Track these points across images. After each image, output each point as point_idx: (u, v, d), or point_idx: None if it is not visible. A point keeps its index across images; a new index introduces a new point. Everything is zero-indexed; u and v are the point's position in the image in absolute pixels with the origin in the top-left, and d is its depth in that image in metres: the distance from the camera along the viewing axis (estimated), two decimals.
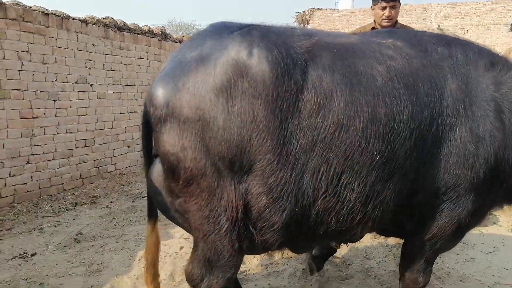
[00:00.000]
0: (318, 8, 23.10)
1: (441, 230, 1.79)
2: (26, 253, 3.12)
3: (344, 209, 1.62)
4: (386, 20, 3.05)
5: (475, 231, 3.66)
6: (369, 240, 3.38)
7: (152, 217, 1.88)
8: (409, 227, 1.88)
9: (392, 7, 3.00)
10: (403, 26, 3.19)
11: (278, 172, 1.51)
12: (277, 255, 3.07)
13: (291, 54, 1.53)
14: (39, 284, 2.66)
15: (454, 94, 1.68)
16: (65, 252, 3.20)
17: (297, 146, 1.52)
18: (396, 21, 3.12)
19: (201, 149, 1.50)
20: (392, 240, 3.42)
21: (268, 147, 1.49)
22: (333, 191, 1.58)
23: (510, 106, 1.73)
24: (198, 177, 1.54)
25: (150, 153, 1.76)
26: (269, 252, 1.94)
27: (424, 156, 1.64)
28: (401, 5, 3.12)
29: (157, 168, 1.72)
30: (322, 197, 1.58)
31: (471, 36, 18.45)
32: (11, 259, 3.05)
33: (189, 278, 1.75)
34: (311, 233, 1.70)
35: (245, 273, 2.85)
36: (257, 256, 3.02)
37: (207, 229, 1.60)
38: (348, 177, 1.58)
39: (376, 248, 3.28)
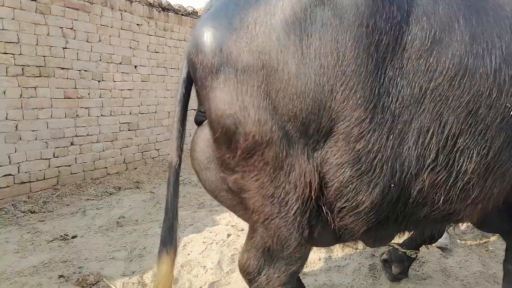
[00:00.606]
0: None
1: None
2: (67, 235, 2.96)
3: (458, 184, 1.22)
4: None
5: None
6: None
7: (170, 245, 1.39)
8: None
9: None
10: None
11: (370, 134, 1.14)
12: (336, 248, 2.69)
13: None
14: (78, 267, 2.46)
15: None
16: (107, 235, 3.00)
17: (398, 99, 1.15)
18: None
19: (267, 107, 1.16)
20: (471, 240, 2.93)
21: (358, 101, 1.13)
22: (446, 160, 1.20)
23: None
24: (262, 146, 1.19)
25: (185, 120, 1.39)
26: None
27: None
28: None
29: (204, 136, 1.38)
30: (430, 168, 1.20)
31: None
32: (52, 240, 2.89)
33: (244, 270, 1.42)
34: (408, 218, 1.30)
35: None
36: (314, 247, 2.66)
37: (270, 211, 1.26)
38: (468, 141, 1.19)
39: (453, 246, 2.80)
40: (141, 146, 5.03)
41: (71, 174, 4.13)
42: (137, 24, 4.76)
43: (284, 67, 1.13)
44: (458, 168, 1.20)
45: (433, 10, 1.14)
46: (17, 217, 3.31)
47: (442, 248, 2.71)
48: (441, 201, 1.23)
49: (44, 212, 3.48)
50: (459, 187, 1.22)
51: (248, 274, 1.40)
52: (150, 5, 4.93)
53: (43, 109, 3.79)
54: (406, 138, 1.16)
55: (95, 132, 4.37)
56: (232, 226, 3.07)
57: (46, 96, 3.81)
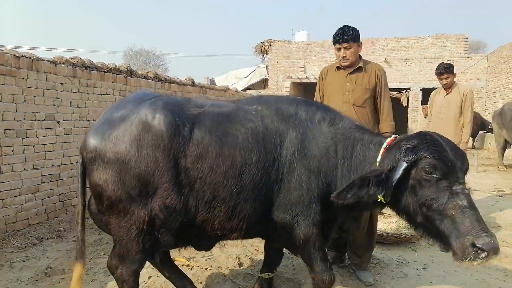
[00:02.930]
0: (276, 40, 24.28)
1: (294, 237, 2.38)
2: None
3: (216, 221, 2.29)
4: (343, 60, 3.31)
5: (409, 250, 4.22)
6: None
7: (82, 257, 2.37)
8: (270, 236, 2.55)
9: (346, 48, 3.23)
10: (366, 62, 3.39)
11: (172, 196, 2.16)
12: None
13: (183, 119, 2.21)
14: None
15: (293, 141, 2.32)
16: (37, 286, 3.35)
17: (184, 180, 2.18)
18: (359, 58, 3.35)
19: (118, 182, 2.13)
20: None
21: (165, 179, 2.14)
22: (208, 210, 2.25)
23: (334, 148, 2.37)
24: (116, 202, 2.17)
25: (85, 185, 2.33)
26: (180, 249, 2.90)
27: (270, 185, 2.29)
28: (361, 44, 3.35)
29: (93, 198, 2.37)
30: (201, 213, 2.26)
31: (415, 68, 20.17)
32: None
33: (109, 267, 2.45)
34: (198, 236, 2.40)
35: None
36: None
37: (122, 235, 2.26)
38: (217, 202, 2.24)
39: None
40: (63, 195, 5.33)
41: None
42: (61, 83, 5.18)
43: (129, 162, 2.11)
44: (215, 214, 2.27)
45: (200, 140, 2.19)
46: None
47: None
48: (209, 229, 2.32)
49: None
50: (218, 222, 2.31)
51: (111, 269, 2.43)
52: (74, 65, 5.39)
53: None
54: (189, 198, 2.21)
55: (17, 186, 4.62)
56: (152, 268, 3.64)
57: None
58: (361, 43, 3.38)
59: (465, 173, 2.07)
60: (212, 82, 25.08)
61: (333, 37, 3.33)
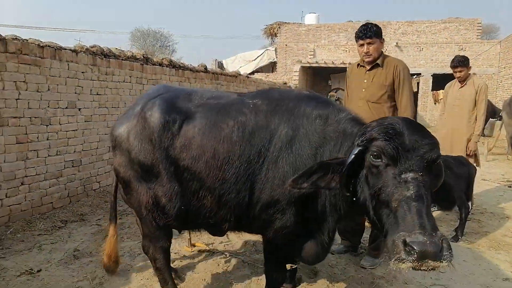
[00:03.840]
0: (286, 22, 24.05)
1: (277, 230, 2.34)
2: (33, 270, 3.47)
3: (206, 210, 2.43)
4: (366, 56, 3.40)
5: None
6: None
7: (114, 220, 2.87)
8: (255, 227, 2.52)
9: (369, 44, 3.34)
10: (385, 57, 3.47)
11: (168, 183, 2.41)
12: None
13: (174, 114, 2.40)
14: None
15: (283, 137, 2.23)
16: (68, 267, 3.57)
17: (175, 170, 2.39)
18: (381, 55, 3.43)
19: (128, 166, 2.50)
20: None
21: (161, 168, 2.40)
22: (197, 199, 2.41)
23: (324, 147, 2.19)
24: (129, 182, 2.53)
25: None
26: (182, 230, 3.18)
27: (254, 179, 2.27)
28: (383, 41, 3.45)
29: None
30: (192, 201, 2.43)
31: (426, 53, 19.97)
32: (19, 275, 3.38)
33: (144, 251, 2.79)
34: (194, 221, 2.55)
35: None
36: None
37: (138, 214, 2.63)
38: (204, 192, 2.38)
39: (339, 258, 3.89)
40: (84, 180, 5.53)
41: (21, 211, 4.54)
42: (82, 72, 5.30)
43: (133, 151, 2.44)
44: (203, 202, 2.41)
45: (187, 133, 2.37)
46: None
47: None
48: (201, 217, 2.48)
49: (2, 249, 3.91)
50: (207, 211, 2.45)
51: (145, 251, 2.77)
52: (94, 53, 5.51)
53: None
54: (182, 186, 2.41)
55: (42, 171, 4.82)
56: (175, 253, 3.85)
57: (0, 143, 4.22)
58: (383, 39, 3.47)
59: (426, 160, 1.71)
60: (220, 64, 25.01)
61: (356, 33, 3.44)
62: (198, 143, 2.32)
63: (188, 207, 2.43)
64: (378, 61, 3.44)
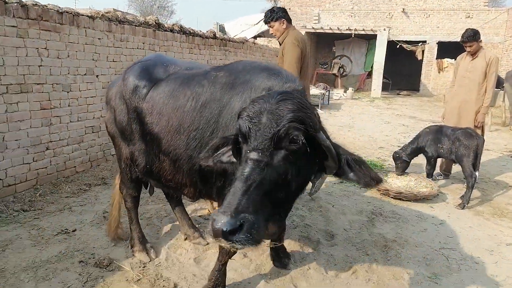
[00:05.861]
0: None
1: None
2: (68, 230, 3.70)
3: (166, 172, 2.63)
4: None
5: (427, 207, 4.62)
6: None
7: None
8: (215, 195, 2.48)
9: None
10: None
11: (138, 143, 2.74)
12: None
13: (144, 81, 2.65)
14: None
15: (231, 111, 2.19)
16: (101, 228, 3.80)
17: (144, 130, 2.63)
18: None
19: (113, 123, 2.92)
20: (353, 215, 4.30)
21: (133, 128, 2.72)
22: (159, 161, 2.63)
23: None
24: (114, 137, 3.01)
25: None
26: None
27: (204, 148, 2.20)
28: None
29: None
30: (155, 161, 2.67)
31: (432, 20, 19.65)
32: (56, 234, 3.61)
33: (120, 188, 3.31)
34: (160, 181, 2.82)
35: None
36: None
37: (121, 164, 3.05)
38: (162, 155, 2.57)
39: (356, 222, 4.14)
40: (103, 145, 5.69)
41: (47, 175, 4.74)
42: (98, 38, 5.32)
43: (116, 108, 2.84)
44: (164, 164, 2.61)
45: (153, 98, 2.59)
46: (13, 216, 3.93)
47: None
48: (165, 178, 2.72)
49: (35, 210, 4.12)
50: (169, 172, 2.64)
51: (121, 190, 3.29)
52: (109, 19, 5.50)
53: (24, 120, 4.33)
54: (148, 146, 2.69)
55: (65, 136, 4.97)
56: (199, 216, 4.08)
57: (26, 109, 4.34)
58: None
59: (272, 139, 1.56)
60: (222, 28, 24.46)
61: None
62: (158, 110, 2.52)
63: (152, 168, 2.71)
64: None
